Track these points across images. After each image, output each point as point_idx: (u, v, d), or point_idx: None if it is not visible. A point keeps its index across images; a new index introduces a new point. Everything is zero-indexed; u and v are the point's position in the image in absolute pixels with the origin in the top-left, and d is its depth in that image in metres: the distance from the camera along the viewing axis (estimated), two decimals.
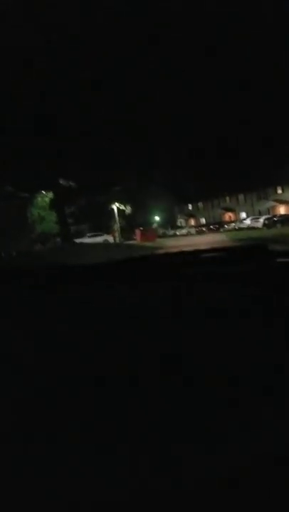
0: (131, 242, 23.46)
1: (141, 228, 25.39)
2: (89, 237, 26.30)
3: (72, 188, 20.82)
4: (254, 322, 0.86)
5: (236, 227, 28.67)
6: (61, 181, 19.76)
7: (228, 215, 37.70)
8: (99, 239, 26.10)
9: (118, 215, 33.14)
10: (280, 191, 32.87)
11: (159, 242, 20.66)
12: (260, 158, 31.07)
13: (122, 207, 33.12)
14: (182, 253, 1.50)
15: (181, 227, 37.32)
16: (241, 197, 36.85)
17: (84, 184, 21.41)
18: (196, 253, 1.50)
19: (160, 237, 31.50)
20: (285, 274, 1.12)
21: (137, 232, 23.86)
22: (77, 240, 25.82)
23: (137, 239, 22.96)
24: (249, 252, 1.36)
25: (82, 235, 27.10)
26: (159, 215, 42.45)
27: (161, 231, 34.77)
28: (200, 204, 41.62)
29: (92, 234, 26.52)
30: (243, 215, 35.59)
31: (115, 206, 33.42)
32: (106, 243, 24.67)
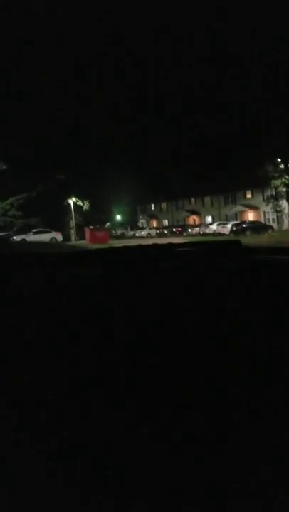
0: (81, 242, 20.15)
1: (91, 227, 21.97)
2: (34, 233, 22.73)
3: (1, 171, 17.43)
4: None
5: (201, 232, 26.05)
6: None
7: (193, 219, 35.19)
8: (45, 236, 22.62)
9: (75, 211, 30.01)
10: (249, 195, 30.55)
11: (112, 244, 17.45)
12: (231, 159, 28.89)
13: (79, 202, 30.18)
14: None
15: (142, 228, 34.32)
16: (208, 199, 34.37)
17: (17, 168, 18.20)
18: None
19: (117, 237, 28.54)
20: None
21: (87, 231, 20.32)
22: (18, 237, 22.29)
23: (86, 239, 19.38)
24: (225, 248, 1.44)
25: (27, 231, 23.45)
26: (120, 214, 39.61)
27: (119, 231, 31.71)
28: (163, 205, 38.88)
29: (38, 230, 22.92)
30: (209, 219, 33.18)
31: (72, 201, 30.35)
32: (51, 242, 21.33)
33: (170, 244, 1.56)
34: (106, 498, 0.56)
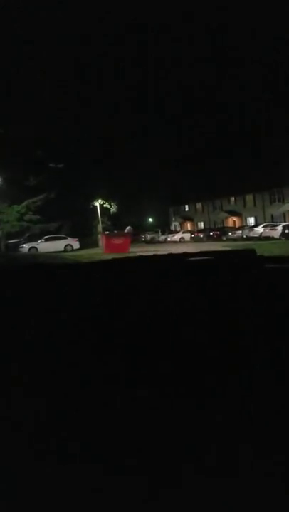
0: (96, 251, 16.54)
1: (106, 232, 18.35)
2: (45, 240, 19.46)
3: None
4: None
5: (244, 236, 21.96)
6: None
7: (233, 220, 31.04)
8: (59, 244, 19.31)
9: (102, 215, 26.86)
10: None
11: (134, 253, 13.70)
12: (275, 151, 25.35)
13: (106, 204, 27.08)
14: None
15: (174, 232, 30.50)
16: (250, 198, 30.12)
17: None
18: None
19: (147, 242, 24.99)
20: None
21: (102, 238, 16.68)
22: (28, 245, 19.12)
23: (102, 248, 15.71)
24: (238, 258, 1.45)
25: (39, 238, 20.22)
26: (151, 217, 36.26)
27: (149, 236, 28.11)
28: (198, 205, 34.88)
29: (50, 237, 19.65)
30: (251, 220, 28.94)
31: (98, 203, 27.26)
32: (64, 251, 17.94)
33: (184, 254, 1.53)
34: (106, 497, 0.58)
